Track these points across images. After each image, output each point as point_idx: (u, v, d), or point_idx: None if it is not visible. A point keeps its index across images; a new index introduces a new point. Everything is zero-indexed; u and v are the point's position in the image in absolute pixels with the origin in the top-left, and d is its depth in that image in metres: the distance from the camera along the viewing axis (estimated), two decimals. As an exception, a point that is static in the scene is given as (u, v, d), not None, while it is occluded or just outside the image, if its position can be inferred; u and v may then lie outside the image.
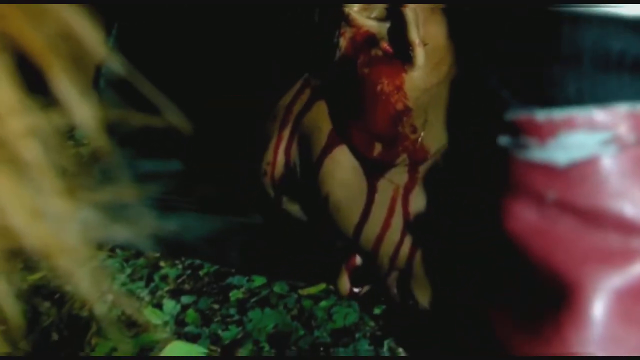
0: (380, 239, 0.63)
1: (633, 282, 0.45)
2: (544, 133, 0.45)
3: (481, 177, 0.58)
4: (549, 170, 0.46)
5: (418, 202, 0.59)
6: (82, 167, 0.35)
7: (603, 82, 0.45)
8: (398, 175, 0.61)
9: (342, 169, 0.64)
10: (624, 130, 0.44)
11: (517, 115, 0.46)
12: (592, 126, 0.45)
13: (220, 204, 0.86)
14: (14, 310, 0.34)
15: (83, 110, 0.31)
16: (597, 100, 0.45)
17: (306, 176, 0.66)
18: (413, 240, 0.60)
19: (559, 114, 0.45)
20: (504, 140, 0.48)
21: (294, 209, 0.70)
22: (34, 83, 0.31)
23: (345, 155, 0.63)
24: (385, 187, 0.62)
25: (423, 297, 0.63)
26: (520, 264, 0.50)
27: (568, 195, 0.45)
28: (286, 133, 0.66)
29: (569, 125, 0.45)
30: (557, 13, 0.46)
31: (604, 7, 0.45)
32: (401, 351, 0.87)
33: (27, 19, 0.31)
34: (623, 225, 0.45)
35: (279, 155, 0.67)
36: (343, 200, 0.64)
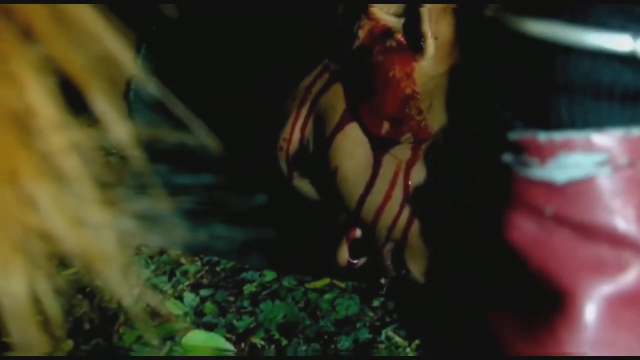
0: (380, 210, 0.66)
1: (622, 290, 0.47)
2: (545, 153, 0.47)
3: (479, 173, 0.61)
4: (548, 187, 0.47)
5: (418, 176, 0.63)
6: (118, 180, 0.38)
7: (596, 109, 0.47)
8: (402, 152, 0.65)
9: (352, 144, 0.67)
10: (617, 152, 0.46)
11: (520, 135, 0.48)
12: (589, 148, 0.46)
13: (246, 216, 0.86)
14: (52, 304, 0.36)
15: (119, 127, 0.34)
16: (591, 125, 0.46)
17: (319, 151, 0.69)
18: (410, 212, 0.64)
19: (558, 136, 0.46)
20: (507, 157, 0.49)
21: (303, 185, 0.73)
22: (75, 102, 0.34)
23: (355, 132, 0.67)
24: (390, 162, 0.65)
25: (415, 267, 0.67)
26: (518, 270, 0.52)
27: (565, 210, 0.47)
28: (304, 111, 0.70)
29: (568, 146, 0.46)
30: (552, 44, 0.49)
31: (595, 38, 0.47)
32: (398, 340, 0.91)
33: (68, 43, 0.34)
34: (615, 239, 0.47)
35: (295, 132, 0.71)
36: (350, 172, 0.67)
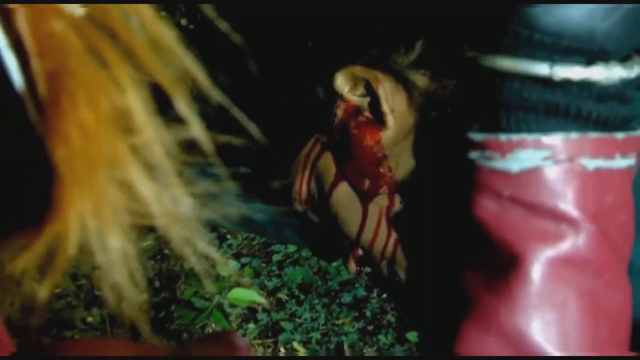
0: (373, 241, 0.60)
1: (561, 254, 0.48)
2: (504, 149, 0.48)
3: (448, 179, 0.56)
4: (506, 175, 0.48)
5: (396, 217, 0.59)
6: (190, 168, 0.32)
7: (544, 118, 0.48)
8: (381, 200, 0.61)
9: (344, 197, 0.62)
10: (559, 150, 0.48)
11: (485, 137, 0.49)
12: (538, 146, 0.48)
13: (274, 202, 0.98)
14: (136, 264, 0.30)
15: (195, 126, 0.30)
16: (541, 131, 0.48)
17: (322, 201, 0.65)
18: (394, 241, 0.59)
19: (515, 137, 0.47)
20: (473, 154, 0.49)
21: (316, 218, 0.67)
22: (161, 105, 0.30)
23: (346, 188, 0.62)
24: (374, 209, 0.61)
25: (402, 275, 0.60)
26: (483, 239, 0.51)
27: (518, 193, 0.48)
28: (307, 173, 0.64)
29: (522, 145, 0.47)
30: (511, 72, 0.47)
31: (543, 66, 0.46)
32: (386, 295, 1.13)
33: (158, 60, 0.29)
34: (555, 215, 0.49)
35: (303, 188, 0.66)
36: (347, 218, 0.62)
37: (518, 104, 0.46)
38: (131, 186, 0.30)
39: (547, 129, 0.46)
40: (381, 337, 1.11)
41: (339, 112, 0.60)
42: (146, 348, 0.38)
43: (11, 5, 0.28)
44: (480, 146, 0.46)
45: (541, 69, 0.45)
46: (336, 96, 0.59)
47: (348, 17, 0.60)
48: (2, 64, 0.28)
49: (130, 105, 0.28)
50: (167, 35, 0.30)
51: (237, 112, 0.33)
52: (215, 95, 0.31)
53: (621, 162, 0.45)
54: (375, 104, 0.59)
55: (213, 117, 0.32)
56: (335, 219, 0.62)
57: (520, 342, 0.45)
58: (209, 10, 0.33)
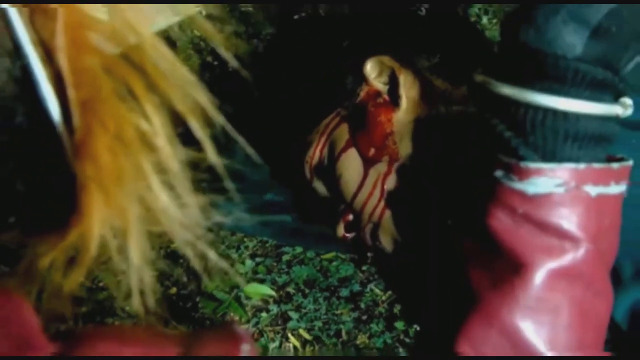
0: (365, 202, 0.74)
1: (561, 267, 0.52)
2: (523, 174, 0.52)
3: (440, 162, 0.68)
4: (522, 195, 0.52)
5: (390, 183, 0.70)
6: (204, 179, 0.39)
7: (561, 152, 0.52)
8: (381, 167, 0.72)
9: (351, 160, 0.74)
10: (568, 179, 0.52)
11: (513, 161, 0.53)
12: (552, 175, 0.52)
13: (282, 212, 0.98)
14: (161, 263, 0.38)
15: (207, 145, 0.36)
16: (556, 161, 0.52)
17: (330, 164, 0.77)
18: (384, 205, 0.70)
19: (533, 165, 0.51)
20: (498, 173, 0.54)
21: (319, 185, 0.80)
22: (179, 126, 0.36)
23: (353, 153, 0.74)
24: (373, 173, 0.73)
25: (384, 240, 0.73)
26: (493, 246, 0.55)
27: (531, 211, 0.52)
28: (322, 139, 0.78)
29: (538, 172, 0.51)
30: (538, 105, 0.52)
31: (561, 103, 0.51)
32: (377, 291, 1.19)
33: (177, 90, 0.37)
34: (560, 234, 0.52)
35: (316, 153, 0.79)
36: (349, 178, 0.75)
37: (540, 134, 0.52)
38: (152, 197, 0.34)
39: (561, 159, 0.52)
40: (373, 325, 1.18)
41: (362, 93, 0.74)
42: (158, 333, 0.40)
43: (53, 43, 0.35)
44: (505, 167, 0.52)
45: (568, 103, 0.51)
46: (362, 80, 0.73)
47: (385, 19, 0.77)
48: (40, 92, 0.36)
49: (151, 129, 0.34)
50: (183, 71, 0.35)
51: (238, 137, 0.38)
52: (221, 120, 0.36)
53: (616, 189, 0.53)
54: (394, 90, 0.71)
55: (221, 139, 0.37)
56: (337, 180, 0.74)
57: (516, 338, 0.52)
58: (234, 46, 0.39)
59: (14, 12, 0.36)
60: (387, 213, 0.72)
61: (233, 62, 0.41)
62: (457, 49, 0.76)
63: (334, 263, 1.27)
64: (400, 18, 0.80)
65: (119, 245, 0.37)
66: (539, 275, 0.52)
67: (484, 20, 1.38)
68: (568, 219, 0.52)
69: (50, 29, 0.37)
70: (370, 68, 0.73)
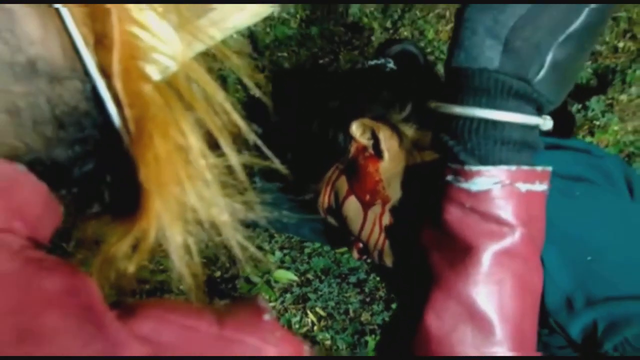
0: (369, 237, 0.77)
1: (502, 248, 0.53)
2: (467, 176, 0.53)
3: (421, 198, 0.67)
4: (467, 193, 0.53)
5: (385, 220, 0.72)
6: (235, 183, 0.41)
7: (492, 154, 0.53)
8: (376, 209, 0.75)
9: (352, 206, 0.78)
10: (504, 177, 0.53)
11: (457, 166, 0.54)
12: (489, 175, 0.53)
13: (307, 211, 0.96)
14: (200, 251, 0.41)
15: (233, 156, 0.39)
16: (493, 163, 0.53)
17: (337, 208, 0.81)
18: (384, 238, 0.73)
19: (475, 168, 0.53)
20: (449, 177, 0.55)
21: (332, 220, 0.85)
22: (212, 141, 0.39)
23: (353, 200, 0.78)
24: (371, 215, 0.77)
25: (388, 261, 0.77)
26: (447, 234, 0.55)
27: (475, 205, 0.53)
28: (328, 189, 0.82)
29: (479, 174, 0.52)
30: (474, 117, 0.54)
31: (494, 114, 0.53)
32: (378, 279, 1.25)
33: (210, 110, 0.40)
34: (499, 221, 0.53)
35: (325, 200, 0.83)
36: (352, 220, 0.79)
37: (487, 144, 0.52)
38: (191, 195, 0.37)
39: (493, 162, 0.53)
40: (374, 306, 1.24)
41: (352, 149, 0.76)
42: (197, 304, 0.39)
43: (112, 70, 0.36)
44: (453, 172, 0.54)
45: (499, 115, 0.52)
46: (351, 138, 0.75)
47: (361, 86, 0.78)
48: (106, 109, 0.38)
49: (190, 142, 0.36)
50: (218, 93, 0.37)
51: (268, 152, 0.41)
52: (252, 137, 0.38)
53: (540, 187, 0.54)
54: (376, 144, 0.73)
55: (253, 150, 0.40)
56: (345, 220, 0.78)
57: (470, 306, 0.52)
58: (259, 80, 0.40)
59: (81, 43, 0.38)
60: (387, 243, 0.76)
61: (255, 91, 0.43)
62: (422, 98, 0.72)
63: (345, 256, 1.34)
64: (371, 78, 0.82)
65: (173, 236, 0.39)
66: (485, 255, 0.53)
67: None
68: (504, 210, 0.53)
69: (109, 58, 0.38)
70: (355, 129, 0.76)
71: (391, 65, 0.87)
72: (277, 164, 0.43)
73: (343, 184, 0.83)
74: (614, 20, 1.39)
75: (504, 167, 0.53)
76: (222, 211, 0.40)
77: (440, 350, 0.54)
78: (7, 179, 0.38)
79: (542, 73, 0.53)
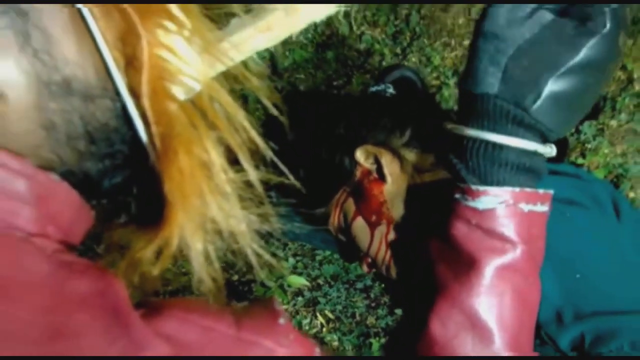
0: (376, 254, 0.83)
1: (504, 263, 0.53)
2: (474, 195, 0.53)
3: (422, 217, 0.71)
4: (474, 210, 0.54)
5: (391, 238, 0.75)
6: (252, 196, 0.42)
7: (491, 174, 0.53)
8: (382, 228, 0.79)
9: (359, 226, 0.83)
10: (508, 198, 0.54)
11: (465, 185, 0.54)
12: (495, 195, 0.53)
13: (316, 223, 1.08)
14: (219, 258, 0.41)
15: (252, 171, 0.39)
16: (492, 183, 0.53)
17: (346, 228, 0.87)
18: (390, 254, 0.77)
19: (482, 188, 0.53)
20: (457, 195, 0.55)
21: (342, 237, 0.93)
22: (232, 157, 0.40)
23: (360, 220, 0.82)
24: (377, 234, 0.81)
25: (394, 275, 0.82)
26: (454, 248, 0.55)
27: (480, 222, 0.53)
28: (337, 210, 0.87)
29: (485, 193, 0.53)
30: (484, 140, 0.53)
31: (495, 137, 0.53)
32: (383, 286, 1.28)
33: (230, 127, 0.40)
34: (502, 237, 0.53)
35: (335, 220, 0.89)
36: (361, 239, 0.83)
37: (485, 165, 0.53)
38: (211, 206, 0.37)
39: (494, 183, 0.53)
40: (379, 310, 1.26)
41: (358, 173, 0.82)
42: (216, 305, 0.40)
43: (140, 90, 0.37)
44: (461, 190, 0.55)
45: (507, 140, 0.52)
46: (356, 163, 0.81)
47: (364, 114, 0.84)
48: (134, 126, 0.39)
49: (212, 158, 0.38)
50: (239, 113, 0.38)
51: (283, 168, 0.42)
52: (269, 154, 0.39)
53: (541, 208, 0.55)
54: (380, 169, 0.78)
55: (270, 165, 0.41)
56: (354, 239, 0.86)
57: (473, 316, 0.53)
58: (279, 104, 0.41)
59: (113, 65, 0.38)
60: (392, 259, 0.81)
61: (273, 110, 0.43)
62: (422, 124, 0.81)
63: (353, 264, 1.36)
64: (373, 105, 0.86)
65: (194, 244, 0.38)
66: (488, 269, 0.54)
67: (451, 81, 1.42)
68: (508, 227, 0.54)
69: (138, 79, 0.38)
70: (359, 155, 0.81)
71: (391, 90, 0.91)
72: (291, 179, 0.43)
73: (351, 205, 0.87)
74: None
75: (508, 188, 0.54)
76: (240, 222, 0.41)
77: (443, 355, 0.54)
78: (43, 188, 0.38)
79: (538, 102, 0.53)
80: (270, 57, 1.47)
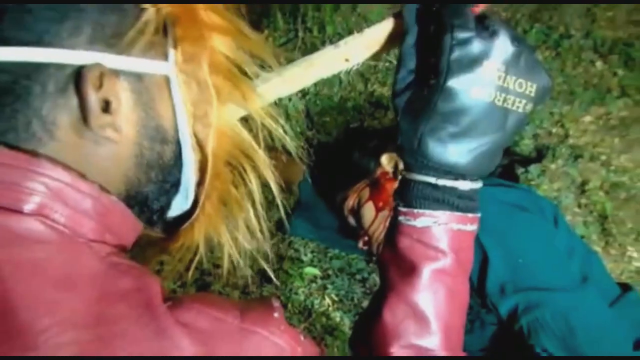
0: (374, 232, 1.04)
1: (438, 267, 0.55)
2: (415, 216, 0.55)
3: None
4: (414, 228, 0.56)
5: (389, 221, 0.65)
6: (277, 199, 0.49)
7: (435, 204, 0.55)
8: (385, 213, 1.02)
9: (368, 209, 1.04)
10: (441, 219, 0.55)
11: (404, 209, 0.56)
12: (430, 217, 0.55)
13: (328, 227, 1.39)
14: (245, 254, 0.47)
15: (274, 185, 0.45)
16: (433, 209, 0.56)
17: (357, 209, 1.07)
18: (384, 233, 0.67)
19: (419, 211, 0.55)
20: (401, 217, 0.58)
21: (351, 219, 1.12)
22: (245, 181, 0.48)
23: (370, 204, 1.04)
24: (380, 217, 1.02)
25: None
26: (400, 257, 0.57)
27: (419, 237, 0.56)
28: (354, 196, 1.08)
29: (423, 215, 0.55)
30: (420, 180, 0.57)
31: (433, 179, 0.56)
32: (377, 278, 1.46)
33: (265, 164, 0.47)
34: (436, 249, 0.55)
35: (350, 202, 1.10)
36: (367, 218, 1.05)
37: (423, 196, 0.56)
38: (238, 206, 0.48)
39: (436, 209, 0.57)
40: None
41: (378, 172, 1.10)
42: (226, 300, 0.42)
43: (207, 142, 0.44)
44: (404, 214, 0.58)
45: (433, 180, 0.56)
46: (379, 165, 1.08)
47: (386, 133, 1.21)
48: (182, 162, 0.47)
49: (252, 187, 0.50)
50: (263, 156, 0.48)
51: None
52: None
53: (470, 227, 0.58)
54: (395, 171, 1.07)
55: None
56: (361, 218, 1.10)
57: (415, 307, 0.56)
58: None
59: (184, 122, 0.42)
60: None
61: (293, 151, 0.48)
62: None
63: (355, 260, 1.60)
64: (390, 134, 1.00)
65: (218, 246, 0.42)
66: (426, 272, 0.56)
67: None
68: (441, 241, 0.56)
69: (206, 133, 0.44)
70: (384, 159, 1.04)
71: None
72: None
73: (365, 193, 1.10)
74: (550, 114, 1.78)
75: (439, 212, 0.56)
76: (265, 228, 0.47)
77: (392, 336, 0.56)
78: (104, 207, 0.42)
79: (423, 144, 0.56)
80: (305, 105, 1.74)
